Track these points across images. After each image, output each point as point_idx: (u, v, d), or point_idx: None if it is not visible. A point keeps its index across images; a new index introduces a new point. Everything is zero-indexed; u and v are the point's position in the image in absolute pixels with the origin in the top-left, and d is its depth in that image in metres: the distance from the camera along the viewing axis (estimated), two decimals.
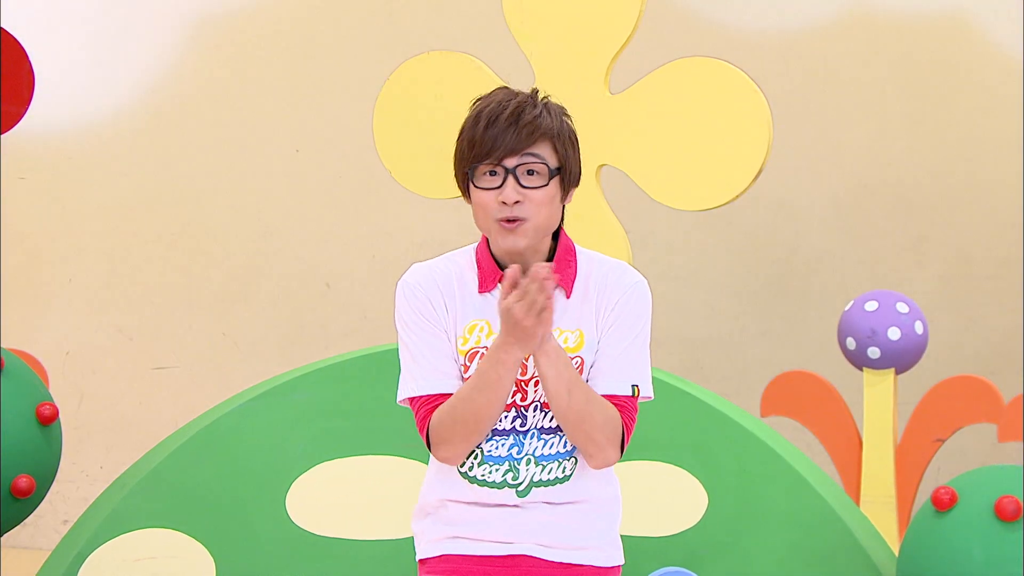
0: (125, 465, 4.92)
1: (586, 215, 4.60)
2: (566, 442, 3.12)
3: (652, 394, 3.17)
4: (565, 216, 3.22)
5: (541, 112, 3.12)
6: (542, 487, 3.12)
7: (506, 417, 3.10)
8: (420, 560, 3.20)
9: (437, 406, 3.10)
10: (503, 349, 3.00)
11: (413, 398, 3.13)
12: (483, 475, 3.11)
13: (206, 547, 4.49)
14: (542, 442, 3.11)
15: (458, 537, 3.14)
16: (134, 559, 4.50)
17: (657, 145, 4.59)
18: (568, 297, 3.14)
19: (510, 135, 3.08)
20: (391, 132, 4.84)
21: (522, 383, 3.10)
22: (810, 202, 7.89)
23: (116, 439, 7.93)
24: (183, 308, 7.99)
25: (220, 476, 4.51)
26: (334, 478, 4.50)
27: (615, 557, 3.20)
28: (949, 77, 7.81)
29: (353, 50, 7.95)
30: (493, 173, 3.10)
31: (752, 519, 4.36)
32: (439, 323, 3.13)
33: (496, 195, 3.09)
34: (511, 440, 3.11)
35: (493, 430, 3.10)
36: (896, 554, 4.43)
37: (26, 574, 5.03)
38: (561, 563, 3.14)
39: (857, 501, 5.97)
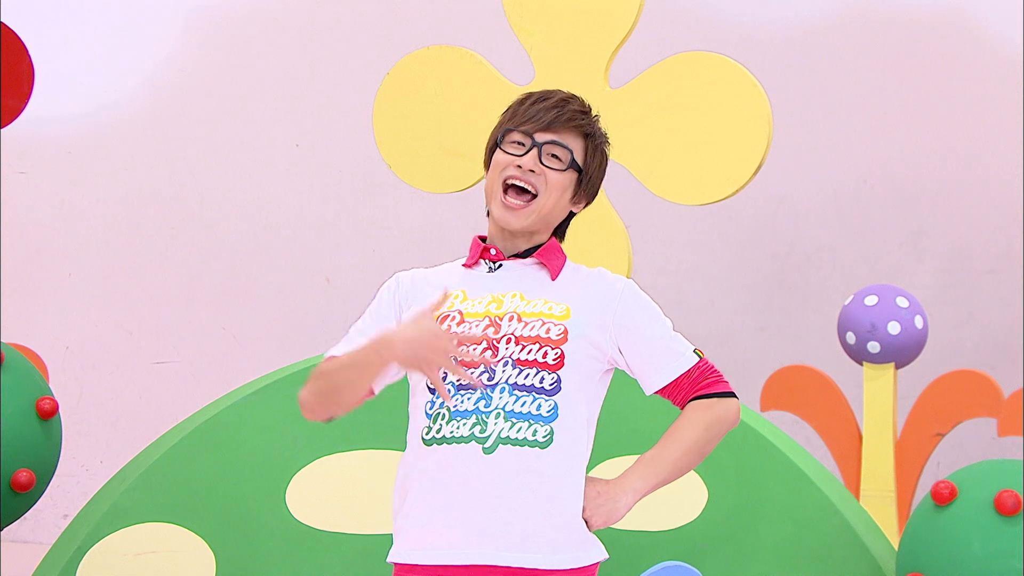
0: (125, 460, 4.93)
1: (586, 209, 4.59)
2: (539, 404, 3.13)
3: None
4: (569, 228, 3.30)
5: (587, 116, 3.27)
6: (510, 445, 3.10)
7: (472, 372, 3.12)
8: (392, 563, 3.21)
9: None
10: (387, 349, 3.04)
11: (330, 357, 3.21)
12: (452, 432, 3.12)
13: (206, 541, 4.49)
14: (513, 398, 3.12)
15: (421, 546, 3.13)
16: (134, 553, 4.50)
17: (657, 140, 4.59)
18: (553, 279, 3.23)
19: (551, 114, 3.22)
20: (391, 126, 4.84)
21: (493, 341, 3.14)
22: (810, 196, 7.90)
23: (116, 434, 7.94)
24: (183, 302, 7.99)
25: (220, 471, 4.51)
26: (334, 473, 4.50)
27: (589, 555, 3.17)
28: (948, 72, 7.82)
29: (353, 44, 7.95)
30: (521, 143, 3.22)
31: (752, 514, 4.36)
32: (393, 315, 3.23)
33: (515, 159, 3.20)
34: (478, 394, 3.12)
35: (459, 386, 3.12)
36: (896, 548, 4.44)
37: (26, 568, 5.03)
38: (534, 569, 3.12)
39: (857, 495, 5.97)
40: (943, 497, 4.24)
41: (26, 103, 5.02)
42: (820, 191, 7.89)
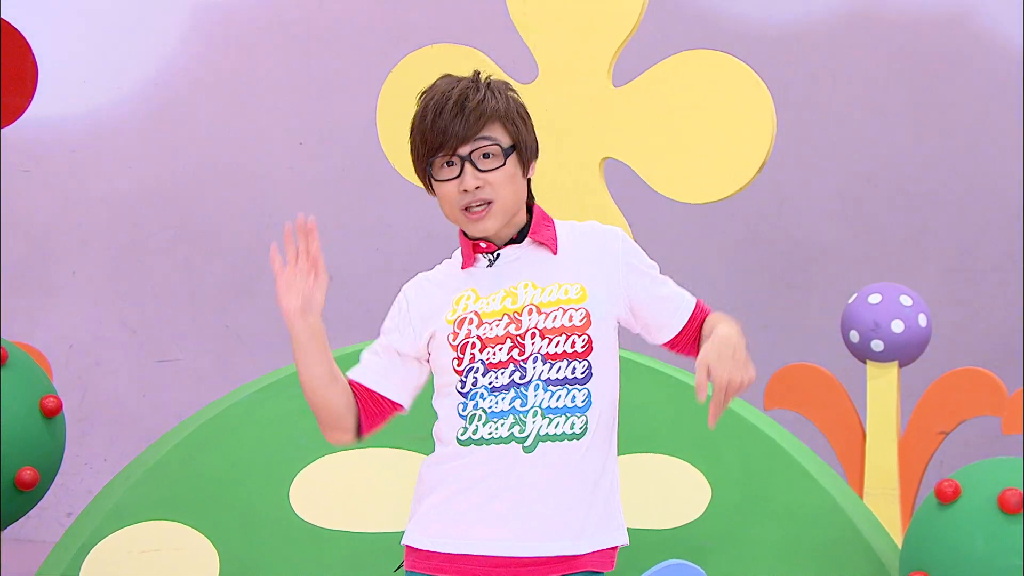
0: (128, 458, 4.93)
1: (589, 208, 4.60)
2: (574, 396, 3.12)
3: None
4: (534, 194, 3.28)
5: (485, 95, 3.16)
6: (549, 441, 3.11)
7: (503, 373, 3.11)
8: (407, 545, 3.20)
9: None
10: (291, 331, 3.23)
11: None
12: (489, 433, 3.12)
13: (210, 540, 4.49)
14: (549, 394, 3.11)
15: (453, 536, 3.14)
16: (138, 552, 4.50)
17: (660, 138, 4.59)
18: (555, 254, 3.19)
19: (458, 123, 3.12)
20: (394, 125, 4.84)
21: (517, 338, 3.12)
22: (813, 195, 7.89)
23: (119, 432, 7.94)
24: (186, 301, 8.00)
25: (224, 469, 4.51)
26: (337, 471, 4.49)
27: (608, 539, 3.18)
28: (951, 70, 7.81)
29: (357, 43, 7.95)
30: (450, 164, 3.14)
31: (755, 512, 4.36)
32: (408, 329, 3.23)
33: (456, 184, 3.13)
34: (512, 394, 3.11)
35: (492, 388, 3.11)
36: (899, 546, 4.43)
37: (30, 567, 5.03)
38: (563, 556, 3.14)
39: (860, 493, 5.97)
40: (946, 495, 4.23)
41: (30, 101, 5.03)
42: (824, 189, 7.89)
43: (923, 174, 7.84)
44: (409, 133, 3.19)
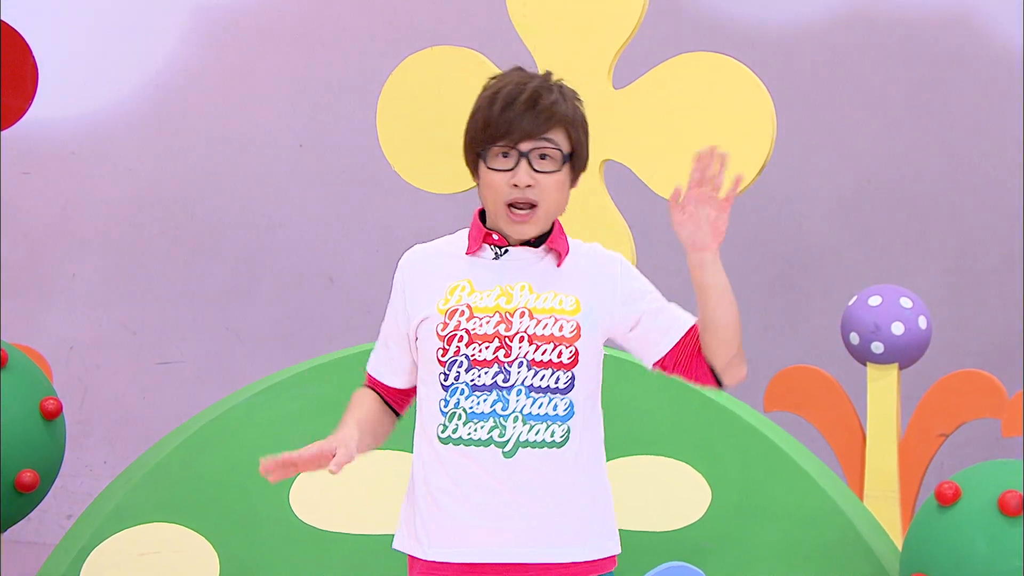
0: (129, 460, 4.93)
1: (590, 210, 4.60)
2: (556, 404, 3.12)
3: None
4: (572, 229, 3.28)
5: (557, 98, 3.16)
6: (528, 448, 3.10)
7: (486, 373, 3.11)
8: (411, 556, 3.21)
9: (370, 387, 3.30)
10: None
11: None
12: (468, 434, 3.11)
13: (210, 542, 4.49)
14: (531, 400, 3.11)
15: (441, 544, 3.14)
16: (138, 554, 4.50)
17: (661, 140, 4.59)
18: (559, 266, 3.18)
19: (527, 119, 3.12)
20: (394, 127, 4.84)
21: (506, 339, 3.12)
22: (813, 197, 7.89)
23: (119, 434, 7.94)
24: (186, 303, 7.99)
25: (224, 471, 4.51)
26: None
27: (607, 547, 3.18)
28: (952, 72, 7.81)
29: (357, 45, 7.95)
30: (506, 155, 3.14)
31: (755, 514, 4.36)
32: (403, 310, 3.23)
33: (508, 177, 3.13)
34: (493, 396, 3.11)
35: (473, 386, 3.11)
36: (899, 548, 4.43)
37: (30, 569, 5.03)
38: (554, 564, 3.13)
39: (860, 496, 5.96)
40: (947, 498, 4.23)
41: (30, 103, 5.03)
42: (824, 191, 7.89)
43: (923, 176, 7.84)
44: (471, 114, 3.18)
